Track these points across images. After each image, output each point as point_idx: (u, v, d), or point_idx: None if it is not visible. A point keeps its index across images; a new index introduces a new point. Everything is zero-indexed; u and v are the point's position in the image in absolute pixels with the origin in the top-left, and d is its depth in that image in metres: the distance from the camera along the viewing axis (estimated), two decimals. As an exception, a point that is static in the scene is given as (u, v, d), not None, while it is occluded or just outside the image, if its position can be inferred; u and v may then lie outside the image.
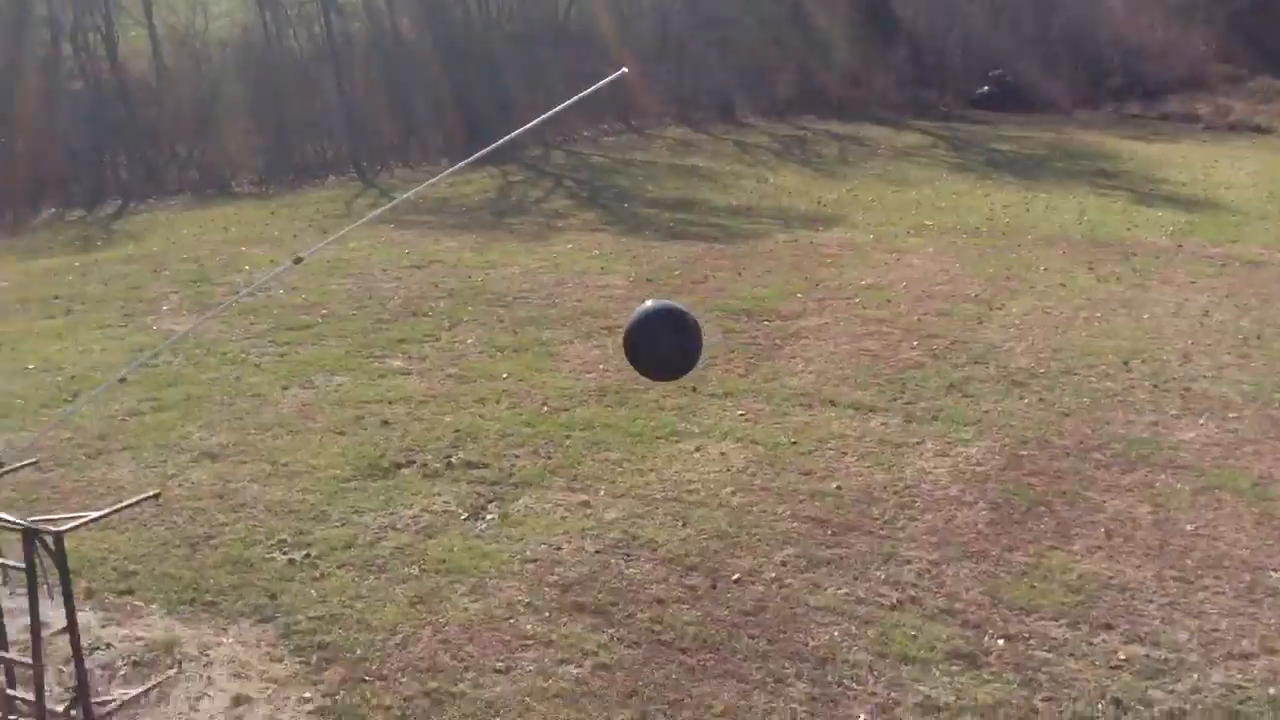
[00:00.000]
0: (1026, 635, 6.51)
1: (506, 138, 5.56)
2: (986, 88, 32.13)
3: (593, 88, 5.26)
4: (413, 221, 18.53)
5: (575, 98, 5.33)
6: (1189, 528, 7.82)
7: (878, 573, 7.22)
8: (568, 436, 9.42)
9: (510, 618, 6.68)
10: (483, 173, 22.70)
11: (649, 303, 4.46)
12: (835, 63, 33.89)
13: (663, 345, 4.38)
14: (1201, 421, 9.59)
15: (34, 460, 7.84)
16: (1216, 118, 29.31)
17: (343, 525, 7.86)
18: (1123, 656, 6.32)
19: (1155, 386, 10.45)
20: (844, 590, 7.01)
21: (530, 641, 6.44)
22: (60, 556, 5.60)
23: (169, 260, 17.09)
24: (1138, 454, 8.99)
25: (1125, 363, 11.07)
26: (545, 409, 10.07)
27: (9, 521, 5.78)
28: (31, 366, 11.56)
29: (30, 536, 5.65)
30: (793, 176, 23.27)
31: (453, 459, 8.98)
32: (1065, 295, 13.60)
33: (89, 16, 29.06)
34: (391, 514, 8.05)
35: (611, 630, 6.57)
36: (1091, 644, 6.44)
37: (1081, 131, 28.00)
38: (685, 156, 25.95)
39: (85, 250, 19.44)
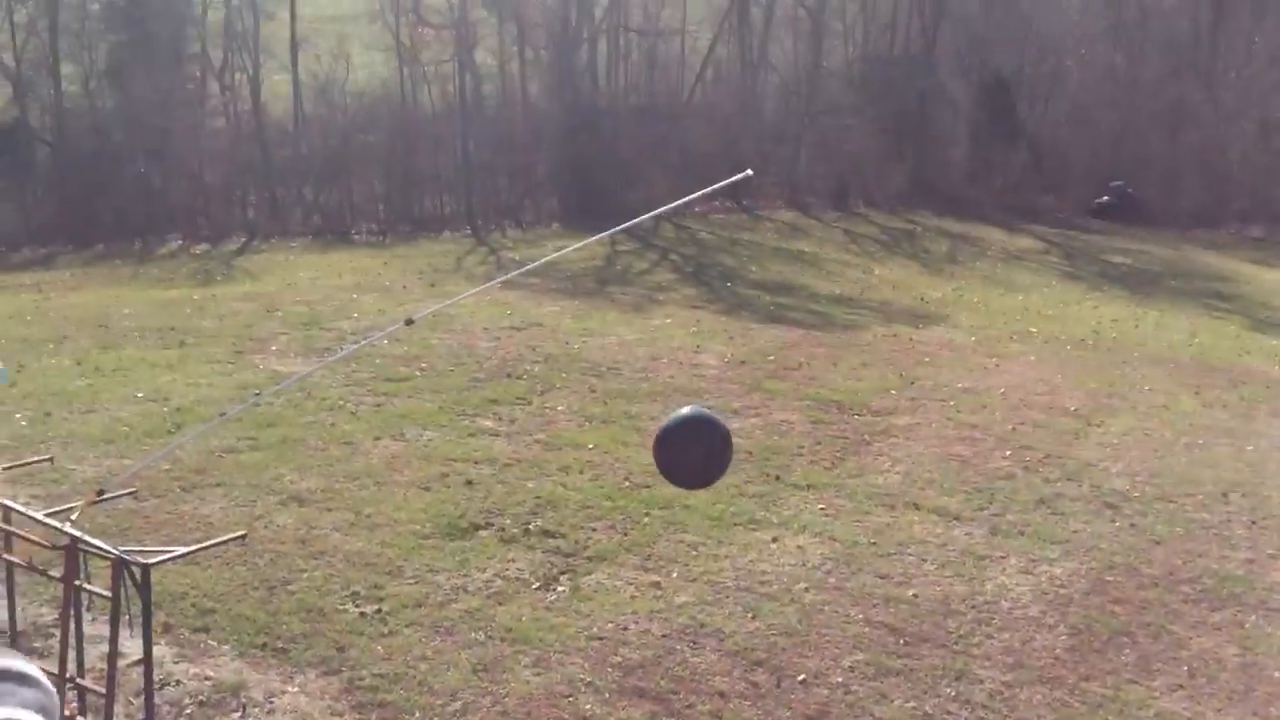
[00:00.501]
0: (1094, 772, 6.32)
1: (634, 221, 5.72)
2: (1106, 197, 31.71)
3: (717, 185, 5.42)
4: (518, 282, 18.87)
5: (699, 193, 5.49)
6: (1276, 674, 7.52)
7: (948, 689, 7.06)
8: (646, 514, 9.44)
9: (570, 695, 6.69)
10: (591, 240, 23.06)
11: (682, 413, 4.44)
12: (954, 160, 33.91)
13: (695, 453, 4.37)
14: (1300, 564, 9.26)
15: (133, 490, 8.14)
16: (1343, 247, 28.68)
17: (416, 583, 7.97)
18: (1193, 807, 6.09)
19: (1254, 523, 10.13)
20: (911, 704, 6.87)
21: (587, 722, 6.43)
22: (146, 589, 5.76)
23: (282, 301, 17.65)
24: (1229, 591, 8.70)
25: (1224, 494, 10.75)
26: (627, 483, 10.12)
27: (101, 549, 5.98)
28: (140, 395, 12.00)
29: (119, 566, 5.84)
30: (899, 270, 23.20)
31: (531, 526, 9.06)
32: (1168, 418, 13.29)
33: (238, 57, 30.51)
34: (465, 576, 8.14)
35: None
36: (1162, 789, 6.21)
37: (1200, 251, 27.45)
38: (792, 240, 26.05)
39: (205, 284, 20.20)
